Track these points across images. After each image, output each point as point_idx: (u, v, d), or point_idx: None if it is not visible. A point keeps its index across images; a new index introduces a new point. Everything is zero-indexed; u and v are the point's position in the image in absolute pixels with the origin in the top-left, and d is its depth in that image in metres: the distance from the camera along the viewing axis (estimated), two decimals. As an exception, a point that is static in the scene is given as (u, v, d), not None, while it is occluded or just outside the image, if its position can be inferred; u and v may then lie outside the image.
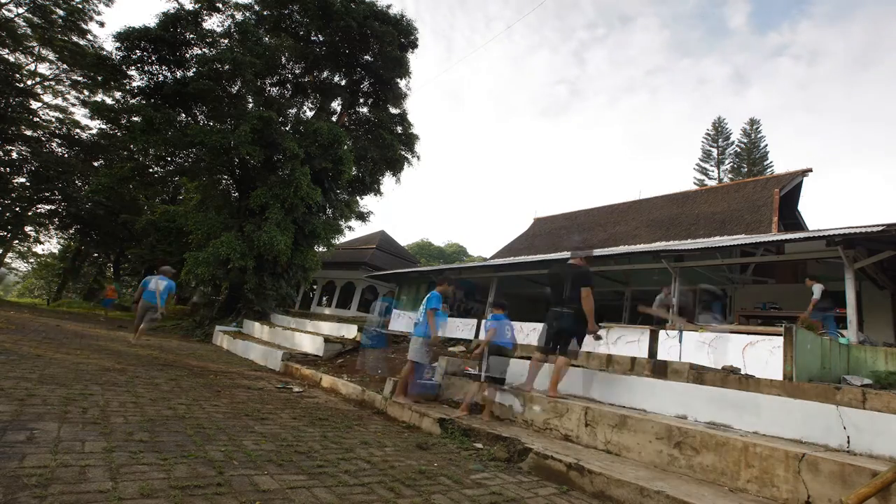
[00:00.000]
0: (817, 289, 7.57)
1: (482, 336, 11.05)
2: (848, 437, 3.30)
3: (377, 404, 5.41)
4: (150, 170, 19.73)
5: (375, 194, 21.41)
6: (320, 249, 19.12)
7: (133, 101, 15.61)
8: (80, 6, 22.99)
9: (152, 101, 15.46)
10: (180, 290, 27.57)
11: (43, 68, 24.10)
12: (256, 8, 18.21)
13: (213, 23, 17.53)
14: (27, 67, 23.30)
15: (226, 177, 18.67)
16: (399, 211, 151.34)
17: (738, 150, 39.80)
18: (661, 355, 7.16)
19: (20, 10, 21.49)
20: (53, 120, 25.03)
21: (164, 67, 15.96)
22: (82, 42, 23.39)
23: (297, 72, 19.54)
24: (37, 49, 23.07)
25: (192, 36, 16.31)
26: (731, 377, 4.91)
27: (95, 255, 33.61)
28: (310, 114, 19.98)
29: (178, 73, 16.07)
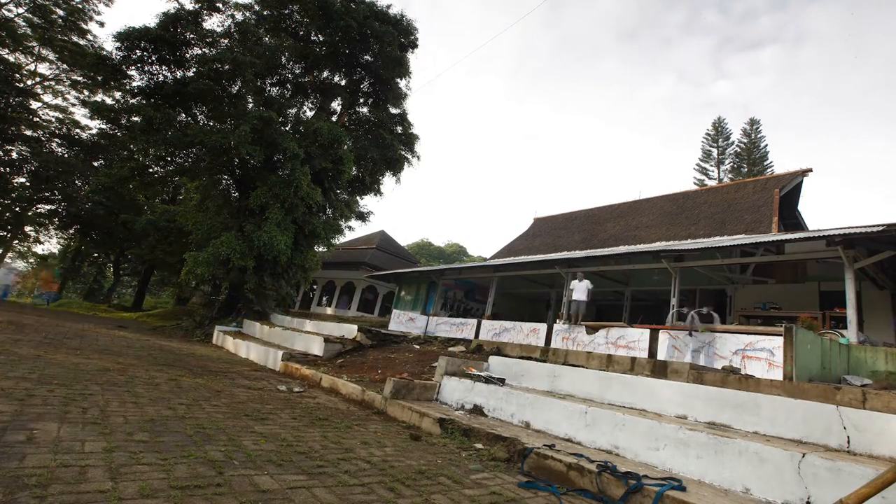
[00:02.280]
0: None
1: (483, 336, 11.04)
2: (848, 437, 3.30)
3: (377, 404, 5.40)
4: (150, 170, 19.71)
5: (375, 194, 21.44)
6: (320, 249, 19.12)
7: (133, 101, 15.59)
8: (80, 6, 22.99)
9: (152, 101, 15.45)
10: (179, 289, 27.64)
11: (43, 68, 24.11)
12: (256, 8, 18.22)
13: (213, 23, 17.56)
14: (27, 67, 23.28)
15: (226, 177, 18.66)
16: (399, 211, 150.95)
17: (738, 150, 39.80)
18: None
19: (20, 10, 21.50)
20: (53, 120, 25.04)
21: (164, 67, 15.96)
22: (82, 42, 23.39)
23: (297, 72, 19.54)
24: (37, 49, 23.05)
25: (192, 36, 16.31)
26: (731, 377, 4.91)
27: (95, 255, 33.62)
28: (310, 114, 19.99)
29: (178, 73, 16.08)
